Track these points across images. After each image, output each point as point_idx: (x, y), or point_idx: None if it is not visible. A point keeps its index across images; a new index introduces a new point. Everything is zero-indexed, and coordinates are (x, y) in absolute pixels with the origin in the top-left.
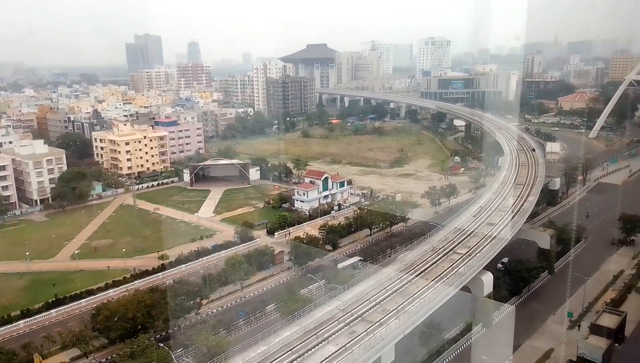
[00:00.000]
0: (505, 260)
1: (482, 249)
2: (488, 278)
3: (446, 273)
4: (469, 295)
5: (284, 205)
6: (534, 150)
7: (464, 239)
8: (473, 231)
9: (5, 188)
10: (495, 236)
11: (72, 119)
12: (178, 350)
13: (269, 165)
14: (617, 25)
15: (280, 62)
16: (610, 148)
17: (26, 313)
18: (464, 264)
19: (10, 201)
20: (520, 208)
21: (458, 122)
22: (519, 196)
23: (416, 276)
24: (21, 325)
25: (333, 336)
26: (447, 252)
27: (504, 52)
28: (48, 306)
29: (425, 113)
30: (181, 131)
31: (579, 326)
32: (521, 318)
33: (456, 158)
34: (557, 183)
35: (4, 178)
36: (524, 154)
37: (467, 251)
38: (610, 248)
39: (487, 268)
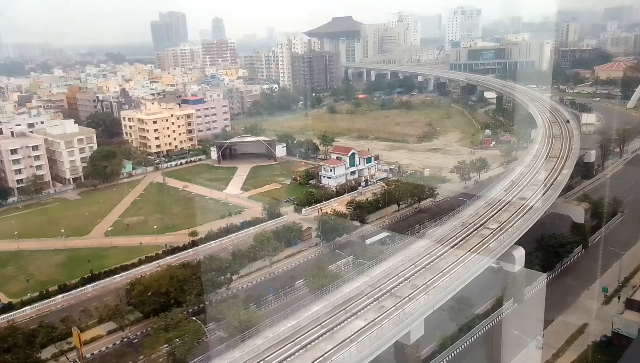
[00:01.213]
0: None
1: (513, 224)
2: (520, 253)
3: (476, 248)
4: (500, 270)
5: (310, 182)
6: (568, 122)
7: (495, 214)
8: (504, 206)
9: (39, 167)
10: (527, 211)
11: (100, 98)
12: (210, 324)
13: (295, 142)
14: None
15: (305, 37)
16: None
17: (63, 288)
18: (495, 239)
19: (44, 181)
20: (553, 182)
21: (489, 95)
22: (552, 169)
23: (445, 251)
24: (59, 299)
25: (362, 311)
26: (478, 227)
27: (537, 20)
28: (84, 282)
29: (454, 86)
30: (207, 108)
31: (619, 298)
32: (554, 294)
33: (487, 131)
34: (592, 156)
35: (37, 157)
36: (557, 126)
37: (498, 226)
38: None
39: (520, 243)
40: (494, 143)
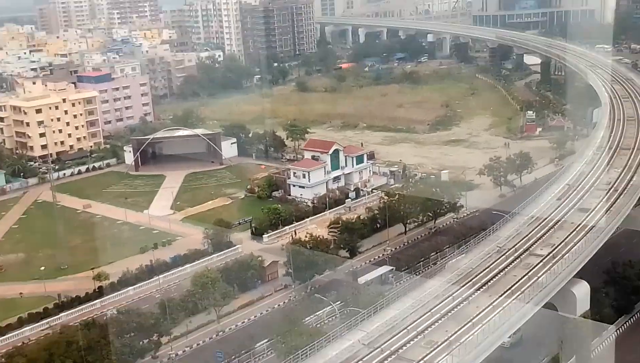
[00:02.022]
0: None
1: (572, 248)
2: (583, 290)
3: (519, 286)
4: (556, 314)
5: (275, 194)
6: None
7: (544, 234)
8: (558, 222)
9: None
10: (591, 228)
11: None
12: None
13: (251, 135)
14: None
15: None
16: None
17: None
18: (546, 270)
19: None
20: (627, 185)
21: (531, 60)
22: (625, 167)
23: (476, 291)
24: None
25: None
26: (521, 254)
27: None
28: None
29: (480, 48)
30: (118, 88)
31: None
32: (633, 347)
33: (529, 113)
34: None
35: None
36: (630, 103)
37: (550, 251)
38: None
39: (582, 275)
40: (540, 129)
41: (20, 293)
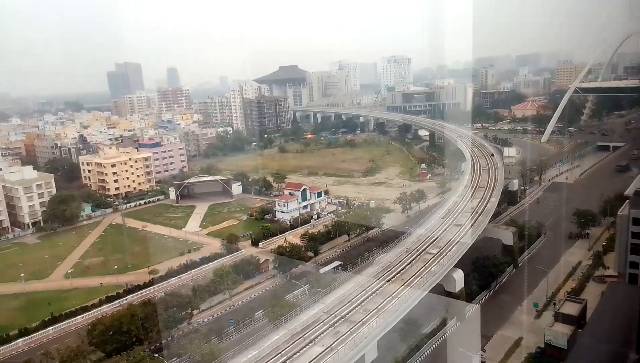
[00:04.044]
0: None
1: (451, 248)
2: (459, 275)
3: (420, 272)
4: (443, 291)
5: (266, 217)
6: (492, 155)
7: (434, 240)
8: (442, 232)
9: None
10: (462, 236)
11: (59, 145)
12: (172, 359)
13: (250, 180)
14: (559, 38)
15: (255, 84)
16: (561, 150)
17: (24, 332)
18: (436, 263)
19: (3, 226)
20: (484, 209)
21: (423, 133)
22: (482, 198)
23: (393, 276)
24: (20, 343)
25: (319, 337)
26: (420, 253)
27: (460, 67)
28: (45, 325)
29: (392, 125)
30: (165, 151)
31: (557, 308)
32: (491, 311)
33: (423, 165)
34: (515, 184)
35: None
36: (483, 159)
37: (438, 251)
38: (567, 241)
39: (458, 265)
40: (429, 175)
41: (101, 283)
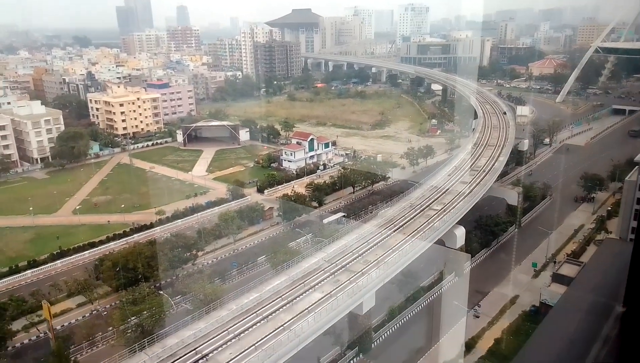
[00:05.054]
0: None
1: (455, 205)
2: (460, 232)
3: (422, 227)
4: (443, 247)
5: (272, 165)
6: (505, 113)
7: (439, 196)
8: (448, 189)
9: (6, 146)
10: (467, 194)
11: (67, 80)
12: (177, 297)
13: (258, 127)
14: None
15: (267, 27)
16: (576, 111)
17: (33, 264)
18: (439, 219)
19: (12, 160)
20: (491, 168)
21: (435, 87)
22: (490, 157)
23: (395, 230)
24: (28, 274)
25: (319, 284)
26: (424, 208)
27: (479, 19)
28: (53, 258)
29: (405, 78)
30: (173, 93)
31: (555, 269)
32: (490, 268)
33: (433, 120)
34: (525, 144)
35: (4, 137)
36: (495, 117)
37: (442, 208)
38: (572, 204)
39: (460, 223)
40: (439, 131)
41: (108, 221)
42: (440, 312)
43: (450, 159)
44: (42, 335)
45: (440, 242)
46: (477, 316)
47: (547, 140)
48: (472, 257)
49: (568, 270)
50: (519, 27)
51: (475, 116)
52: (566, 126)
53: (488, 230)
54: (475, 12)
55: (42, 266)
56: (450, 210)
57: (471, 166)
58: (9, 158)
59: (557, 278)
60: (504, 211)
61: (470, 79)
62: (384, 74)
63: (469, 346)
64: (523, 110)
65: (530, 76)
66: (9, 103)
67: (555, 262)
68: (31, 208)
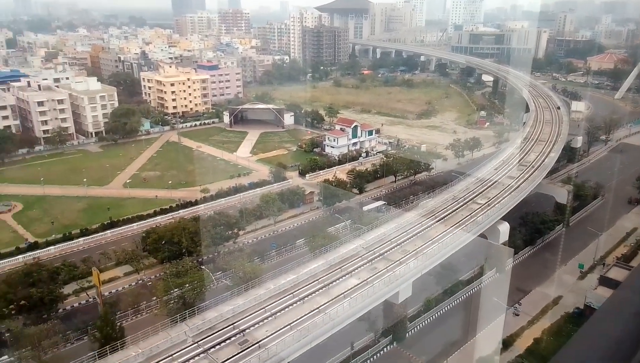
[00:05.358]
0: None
1: (501, 200)
2: (504, 228)
3: (464, 221)
4: (485, 241)
5: (315, 150)
6: (559, 108)
7: (484, 190)
8: (494, 183)
9: (63, 120)
10: (514, 189)
11: (122, 59)
12: (217, 273)
13: (303, 111)
14: None
15: (316, 12)
16: (635, 109)
17: (85, 232)
18: (483, 213)
19: (69, 133)
20: (541, 164)
21: (486, 78)
22: (540, 152)
23: (436, 221)
24: (81, 242)
25: (356, 270)
26: (467, 201)
27: (537, 9)
28: (104, 228)
29: (454, 67)
30: (222, 75)
31: (602, 272)
32: (533, 267)
33: (482, 112)
34: (579, 141)
35: (62, 110)
36: (549, 111)
37: (486, 202)
38: (626, 206)
39: (505, 218)
40: (488, 123)
41: (156, 196)
42: (478, 307)
43: (497, 153)
44: (90, 300)
45: (482, 236)
46: (517, 315)
47: (602, 138)
48: (515, 254)
49: (616, 273)
50: (579, 19)
51: (527, 110)
52: (624, 125)
53: (534, 227)
54: (532, 1)
55: (94, 235)
56: (494, 205)
57: (520, 160)
58: (66, 130)
59: (605, 281)
60: (551, 209)
61: (524, 71)
62: (433, 62)
63: (507, 344)
64: (578, 105)
65: (588, 71)
66: (67, 78)
67: (603, 265)
68: (85, 179)
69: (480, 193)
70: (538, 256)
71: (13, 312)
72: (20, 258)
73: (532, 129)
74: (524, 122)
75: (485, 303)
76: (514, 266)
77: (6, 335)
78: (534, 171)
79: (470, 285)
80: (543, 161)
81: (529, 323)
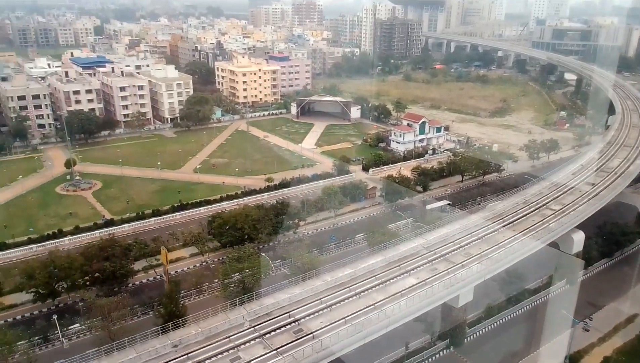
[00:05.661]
0: None
1: (576, 207)
2: (579, 237)
3: (535, 227)
4: (556, 250)
5: (380, 144)
6: None
7: (559, 195)
8: (570, 189)
9: (142, 105)
10: (593, 196)
11: (198, 48)
12: (277, 261)
13: (370, 105)
14: None
15: (390, 4)
16: None
17: (156, 213)
18: (556, 220)
19: (147, 117)
20: (624, 171)
21: (569, 76)
22: (625, 158)
23: (504, 226)
24: (152, 222)
25: (415, 270)
26: (540, 207)
27: (629, 4)
28: (174, 209)
29: (534, 64)
30: (292, 66)
31: None
32: (609, 281)
33: (562, 112)
34: None
35: (142, 96)
36: (637, 114)
37: (561, 208)
38: None
39: (580, 227)
40: (568, 125)
41: (223, 182)
42: (544, 319)
43: (577, 157)
44: (157, 277)
45: (553, 245)
46: (587, 330)
47: None
48: (589, 266)
49: None
50: None
51: (613, 112)
52: None
53: (612, 238)
54: None
55: (164, 216)
56: (569, 212)
57: (601, 166)
58: (144, 115)
59: None
60: (633, 220)
61: (611, 70)
62: (511, 58)
63: (573, 360)
64: None
65: None
66: (147, 66)
67: None
68: (159, 163)
69: (555, 198)
70: (615, 269)
71: (87, 283)
72: (97, 233)
73: (617, 133)
74: (609, 125)
75: (551, 315)
76: (587, 279)
77: (80, 304)
78: (617, 178)
79: (536, 294)
80: (627, 168)
81: (599, 340)
